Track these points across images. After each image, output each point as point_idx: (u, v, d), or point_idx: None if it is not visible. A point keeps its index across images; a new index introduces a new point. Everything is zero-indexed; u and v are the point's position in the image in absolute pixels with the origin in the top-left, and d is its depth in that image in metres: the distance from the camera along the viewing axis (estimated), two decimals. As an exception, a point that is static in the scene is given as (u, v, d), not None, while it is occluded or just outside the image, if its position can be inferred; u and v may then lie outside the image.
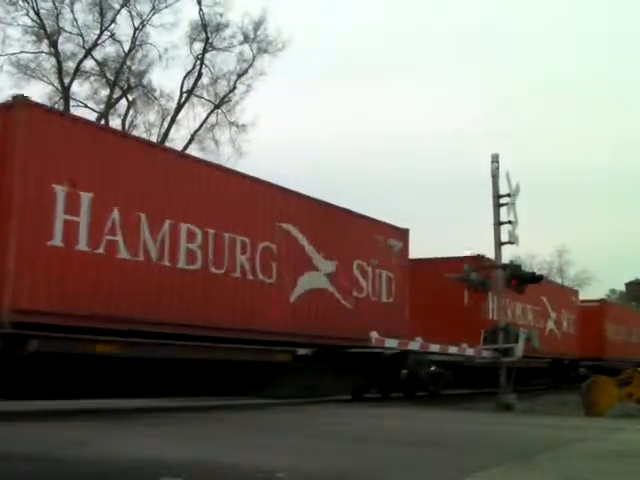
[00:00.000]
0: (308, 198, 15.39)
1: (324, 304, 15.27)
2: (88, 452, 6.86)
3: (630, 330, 35.68)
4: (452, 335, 18.57)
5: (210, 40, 34.25)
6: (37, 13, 31.78)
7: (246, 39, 34.50)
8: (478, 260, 19.16)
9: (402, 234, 18.34)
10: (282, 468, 5.97)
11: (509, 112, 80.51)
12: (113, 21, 33.01)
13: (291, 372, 14.50)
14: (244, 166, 32.13)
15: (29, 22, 31.80)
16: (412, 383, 18.62)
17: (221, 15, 33.96)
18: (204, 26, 33.98)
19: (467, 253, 20.21)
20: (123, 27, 33.38)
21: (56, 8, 32.06)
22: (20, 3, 31.39)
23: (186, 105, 34.54)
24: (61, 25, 32.34)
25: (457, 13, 75.46)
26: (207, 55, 34.60)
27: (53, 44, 32.25)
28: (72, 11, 32.20)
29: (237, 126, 34.95)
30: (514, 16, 75.68)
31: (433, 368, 19.12)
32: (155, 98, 34.64)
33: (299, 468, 6.27)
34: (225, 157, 33.90)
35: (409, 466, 6.71)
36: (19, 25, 31.55)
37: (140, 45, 33.72)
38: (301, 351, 14.81)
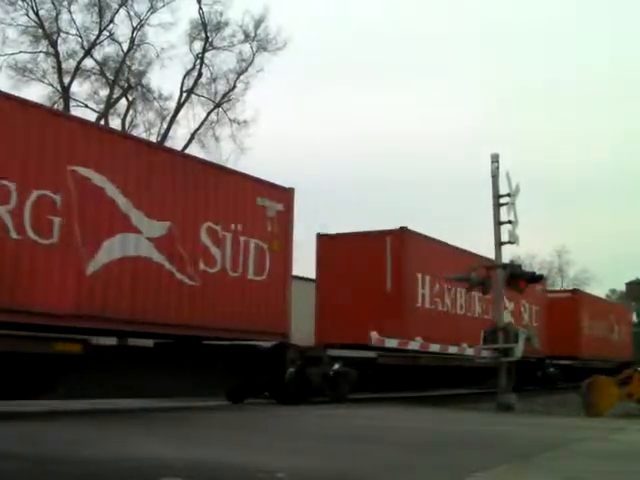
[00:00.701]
0: (131, 139, 12.50)
1: (147, 278, 11.76)
2: (88, 452, 6.86)
3: (610, 325, 32.41)
4: (372, 324, 17.01)
5: (210, 39, 34.29)
6: (36, 13, 31.82)
7: (247, 37, 34.54)
8: (401, 234, 18.53)
9: (283, 194, 14.73)
10: (282, 468, 5.97)
11: (509, 112, 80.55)
12: (112, 21, 33.06)
13: (87, 368, 11.24)
14: (245, 164, 32.22)
15: (28, 22, 31.83)
16: (301, 385, 14.68)
17: (221, 14, 34.02)
18: (204, 25, 34.01)
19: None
20: (122, 27, 33.46)
21: (55, 8, 32.09)
22: (19, 3, 31.44)
23: (186, 104, 34.59)
24: (60, 25, 32.40)
25: (457, 13, 75.53)
26: (207, 54, 34.65)
27: (52, 44, 32.27)
28: (70, 12, 32.24)
29: (238, 123, 34.99)
30: (514, 16, 75.71)
31: (336, 366, 15.88)
32: (155, 98, 34.69)
33: (299, 468, 6.27)
34: (226, 154, 33.98)
35: (409, 466, 6.71)
36: (18, 25, 31.61)
37: (139, 45, 33.78)
38: (103, 340, 11.28)
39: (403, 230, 18.81)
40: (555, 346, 25.87)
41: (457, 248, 21.32)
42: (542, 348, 22.87)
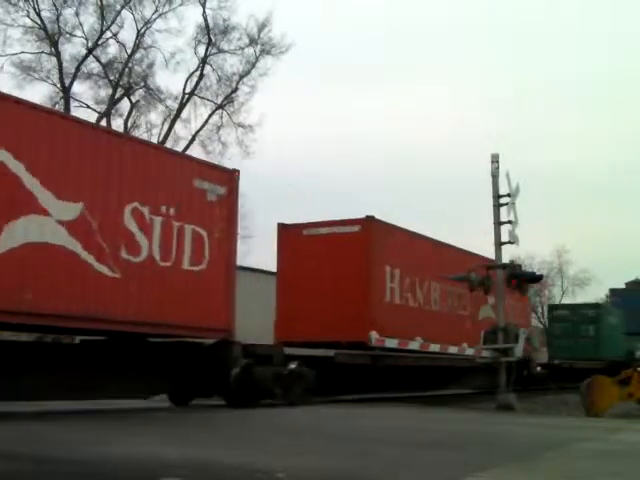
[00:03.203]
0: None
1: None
2: (88, 452, 6.86)
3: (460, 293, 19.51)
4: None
5: (215, 43, 34.37)
6: (38, 14, 31.85)
7: (251, 42, 34.59)
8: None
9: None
10: (282, 468, 5.97)
11: (509, 112, 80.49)
12: (114, 22, 33.11)
13: None
14: (248, 166, 32.20)
15: (30, 23, 31.88)
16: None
17: (225, 20, 34.10)
18: (207, 29, 34.10)
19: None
20: (127, 29, 33.54)
21: (57, 9, 32.14)
22: (21, 4, 31.46)
23: (188, 106, 34.63)
24: (62, 26, 32.44)
25: (457, 13, 75.48)
26: (211, 57, 34.72)
27: (54, 44, 32.32)
28: (77, 14, 32.28)
29: (243, 127, 35.02)
30: (514, 16, 75.69)
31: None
32: (158, 99, 34.72)
33: (299, 468, 6.27)
34: (231, 158, 33.96)
35: (409, 466, 6.71)
36: (20, 26, 31.64)
37: (145, 48, 33.90)
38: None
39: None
40: (334, 326, 16.48)
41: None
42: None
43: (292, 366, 14.38)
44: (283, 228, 17.95)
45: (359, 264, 16.92)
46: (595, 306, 36.15)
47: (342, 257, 16.92)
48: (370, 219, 17.34)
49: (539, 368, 16.44)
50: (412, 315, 18.32)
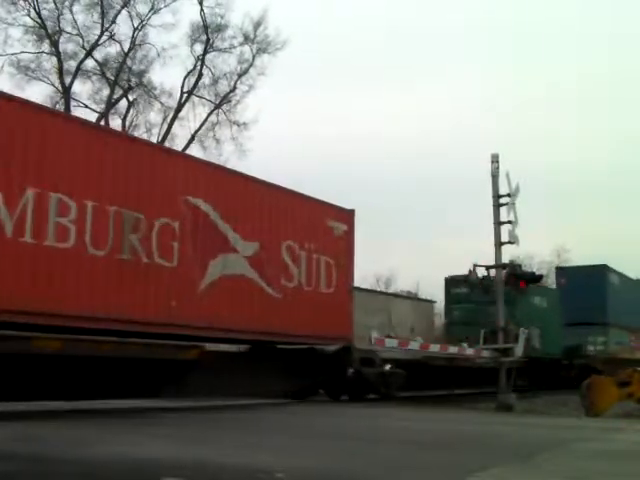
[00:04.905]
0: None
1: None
2: (89, 452, 6.86)
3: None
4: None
5: (211, 41, 34.33)
6: (38, 13, 31.83)
7: (246, 40, 34.58)
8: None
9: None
10: (282, 468, 5.97)
11: (509, 112, 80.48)
12: (113, 21, 33.10)
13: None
14: (245, 165, 32.22)
15: (30, 22, 31.86)
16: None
17: (222, 17, 34.06)
18: (205, 27, 34.05)
19: None
20: (123, 28, 33.47)
21: (57, 9, 32.12)
22: (21, 3, 31.44)
23: (187, 105, 34.62)
24: (62, 25, 32.41)
25: (457, 13, 75.49)
26: (208, 56, 34.69)
27: (54, 44, 32.30)
28: (72, 12, 32.25)
29: (238, 125, 35.02)
30: (514, 16, 75.69)
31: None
32: (156, 98, 34.71)
33: (299, 468, 6.28)
34: (226, 155, 33.99)
35: (409, 466, 6.72)
36: (20, 25, 31.61)
37: (140, 45, 33.79)
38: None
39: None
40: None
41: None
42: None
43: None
44: None
45: None
46: None
47: None
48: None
49: (389, 366, 16.57)
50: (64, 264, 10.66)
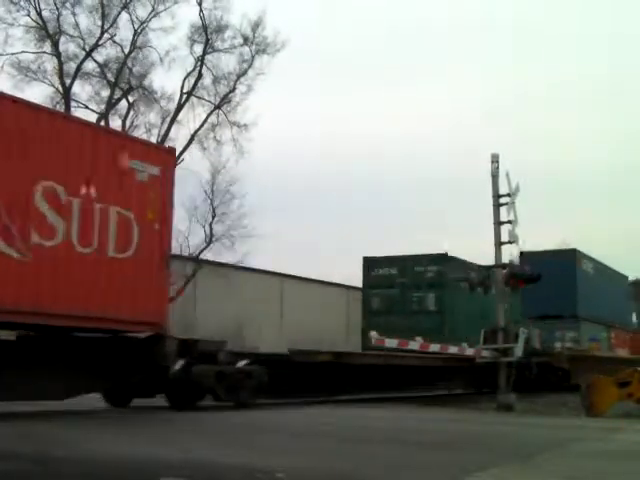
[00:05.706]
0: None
1: None
2: (89, 452, 6.86)
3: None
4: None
5: (210, 42, 34.37)
6: (39, 14, 31.84)
7: (245, 41, 34.62)
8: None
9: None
10: (282, 468, 5.97)
11: (509, 112, 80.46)
12: (114, 23, 33.12)
13: None
14: (245, 165, 32.10)
15: (30, 22, 31.86)
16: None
17: (221, 18, 34.11)
18: (204, 28, 34.09)
19: None
20: (123, 30, 33.50)
21: (57, 9, 32.13)
22: (22, 3, 31.45)
23: (186, 106, 34.63)
24: (63, 27, 32.43)
25: (456, 13, 75.47)
26: (208, 56, 34.72)
27: (55, 44, 32.32)
28: (73, 14, 32.28)
29: (238, 126, 35.04)
30: (514, 16, 75.65)
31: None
32: (155, 99, 34.72)
33: (299, 468, 6.27)
34: (226, 156, 33.99)
35: (409, 466, 6.71)
36: (21, 25, 31.62)
37: (140, 48, 33.84)
38: None
39: None
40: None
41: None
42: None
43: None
44: None
45: None
46: (440, 259, 21.08)
47: None
48: None
49: (243, 362, 13.07)
50: None
